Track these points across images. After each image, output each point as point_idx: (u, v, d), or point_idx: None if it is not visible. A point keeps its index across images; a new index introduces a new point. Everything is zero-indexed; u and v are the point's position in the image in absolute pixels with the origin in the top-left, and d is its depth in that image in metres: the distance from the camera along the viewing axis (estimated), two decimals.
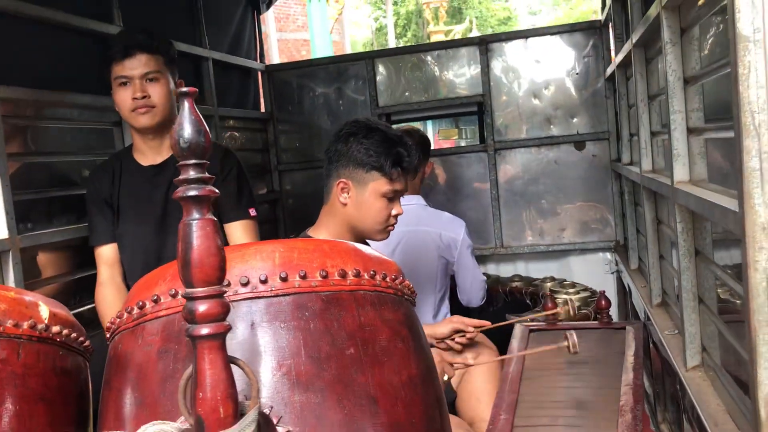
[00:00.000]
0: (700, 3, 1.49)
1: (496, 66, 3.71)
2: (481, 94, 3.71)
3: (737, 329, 1.42)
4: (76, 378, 1.31)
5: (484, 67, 3.68)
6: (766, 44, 0.94)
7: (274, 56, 11.71)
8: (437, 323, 2.25)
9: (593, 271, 3.61)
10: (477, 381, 2.32)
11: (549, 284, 3.35)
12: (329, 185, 1.98)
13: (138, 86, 2.06)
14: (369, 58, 3.86)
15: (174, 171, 2.26)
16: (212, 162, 2.18)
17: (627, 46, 2.42)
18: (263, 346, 1.09)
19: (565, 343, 2.00)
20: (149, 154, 2.23)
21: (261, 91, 3.97)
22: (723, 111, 1.53)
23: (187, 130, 0.88)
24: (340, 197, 1.96)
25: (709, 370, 1.60)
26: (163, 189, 2.24)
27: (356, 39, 22.04)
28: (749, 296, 1.01)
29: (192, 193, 0.88)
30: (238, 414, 0.91)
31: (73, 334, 1.31)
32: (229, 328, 0.89)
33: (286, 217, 3.96)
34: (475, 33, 18.41)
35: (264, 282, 1.12)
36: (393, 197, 1.97)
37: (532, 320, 2.61)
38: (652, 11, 1.73)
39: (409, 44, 18.85)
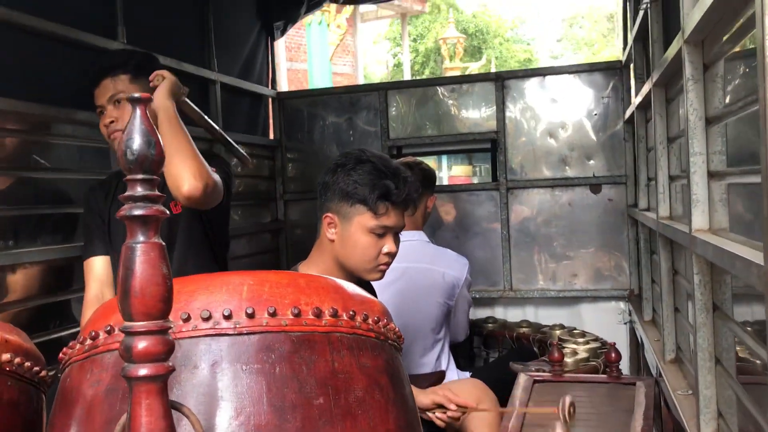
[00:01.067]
0: (725, 38, 1.38)
1: (512, 103, 3.61)
2: (495, 131, 3.60)
3: (758, 394, 1.28)
4: (25, 411, 1.19)
5: (500, 103, 3.58)
6: None
7: (283, 85, 11.72)
8: (421, 391, 2.03)
9: (605, 321, 3.45)
10: (476, 427, 2.17)
11: (558, 332, 3.20)
12: (319, 220, 1.87)
13: (108, 112, 2.04)
14: (382, 89, 3.78)
15: (164, 184, 2.17)
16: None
17: (647, 86, 2.31)
18: (221, 390, 0.97)
19: (553, 410, 1.84)
20: None
21: (271, 118, 3.90)
22: (747, 155, 1.41)
23: (136, 141, 0.78)
24: (327, 233, 1.84)
25: None
26: None
27: (374, 75, 22.08)
28: None
29: (137, 212, 0.78)
30: None
31: (27, 363, 1.20)
32: (171, 370, 0.78)
33: (290, 248, 3.86)
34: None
35: (228, 318, 1.01)
36: (383, 233, 1.82)
37: (545, 365, 2.47)
38: (674, 47, 1.63)
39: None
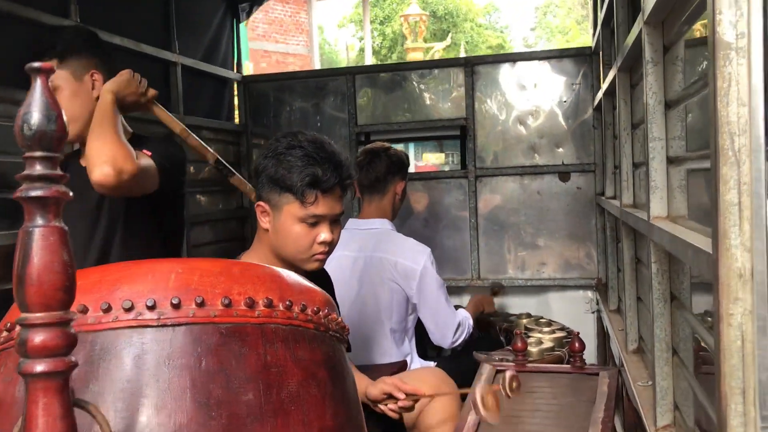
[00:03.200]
0: (683, 18, 1.33)
1: (482, 89, 3.56)
2: (465, 117, 3.55)
3: (712, 386, 1.24)
4: None
5: (469, 89, 3.53)
6: (751, 53, 0.77)
7: None
8: (371, 383, 1.94)
9: (573, 310, 3.43)
10: (434, 418, 2.12)
11: (525, 321, 3.17)
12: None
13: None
14: (350, 74, 3.71)
15: None
16: (147, 142, 2.00)
17: (612, 72, 2.27)
18: (142, 386, 0.91)
19: (497, 386, 1.80)
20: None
21: (236, 102, 3.81)
22: (705, 141, 1.37)
23: (34, 116, 0.71)
24: (261, 222, 1.76)
25: (681, 431, 1.42)
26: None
27: (341, 59, 21.28)
28: (720, 357, 0.84)
29: (35, 193, 0.71)
30: None
31: None
32: (72, 365, 0.72)
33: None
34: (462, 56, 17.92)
35: (151, 308, 0.94)
36: (315, 222, 1.73)
37: (509, 355, 2.43)
38: (635, 29, 1.58)
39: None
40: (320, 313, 1.10)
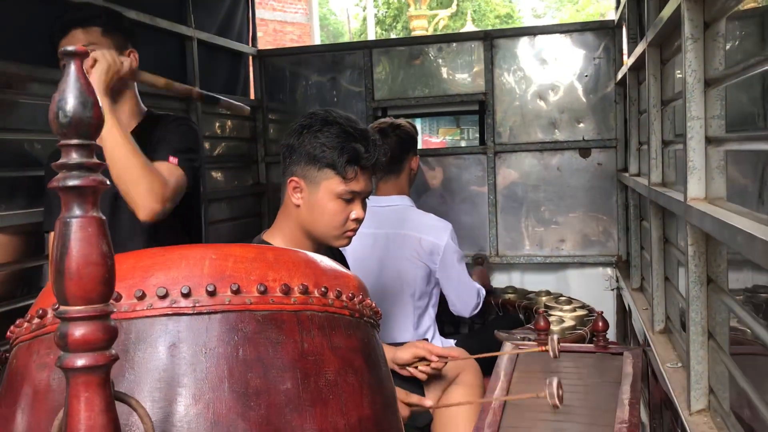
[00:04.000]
0: None
1: (501, 63, 3.49)
2: (483, 92, 3.49)
3: (752, 375, 1.22)
4: None
5: (488, 63, 3.47)
6: None
7: None
8: (399, 347, 1.97)
9: (592, 287, 3.40)
10: (455, 413, 2.11)
11: (544, 298, 3.15)
12: (284, 184, 1.77)
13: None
14: (366, 47, 3.65)
15: None
16: (164, 129, 1.96)
17: (641, 47, 2.21)
18: (179, 375, 0.89)
19: (543, 393, 1.80)
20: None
21: (252, 77, 3.76)
22: (748, 120, 1.32)
23: (69, 102, 0.68)
24: (293, 198, 1.74)
25: (717, 415, 1.39)
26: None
27: (344, 30, 20.22)
28: None
29: (72, 182, 0.68)
30: None
31: None
32: (113, 359, 0.69)
33: (272, 212, 3.75)
34: (469, 27, 17.22)
35: (186, 296, 0.92)
36: (351, 199, 1.74)
37: (523, 342, 2.41)
38: (672, 3, 1.53)
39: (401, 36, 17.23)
40: (355, 299, 1.07)
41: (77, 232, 0.68)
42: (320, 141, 1.71)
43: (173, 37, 3.01)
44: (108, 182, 0.72)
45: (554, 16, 25.89)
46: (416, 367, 1.96)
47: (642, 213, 2.67)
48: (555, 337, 1.86)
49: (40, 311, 0.98)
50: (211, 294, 0.93)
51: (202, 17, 3.19)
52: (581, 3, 25.39)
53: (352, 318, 1.06)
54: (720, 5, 1.33)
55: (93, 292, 0.68)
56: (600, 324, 2.27)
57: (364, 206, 1.80)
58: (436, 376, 2.04)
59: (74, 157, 0.69)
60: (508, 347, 2.32)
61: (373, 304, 1.14)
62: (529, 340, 2.49)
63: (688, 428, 1.40)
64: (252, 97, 3.79)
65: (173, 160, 1.94)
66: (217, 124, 3.45)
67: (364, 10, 20.30)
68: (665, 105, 2.00)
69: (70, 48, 0.69)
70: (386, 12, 21.63)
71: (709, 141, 1.39)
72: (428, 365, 1.94)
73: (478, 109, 3.59)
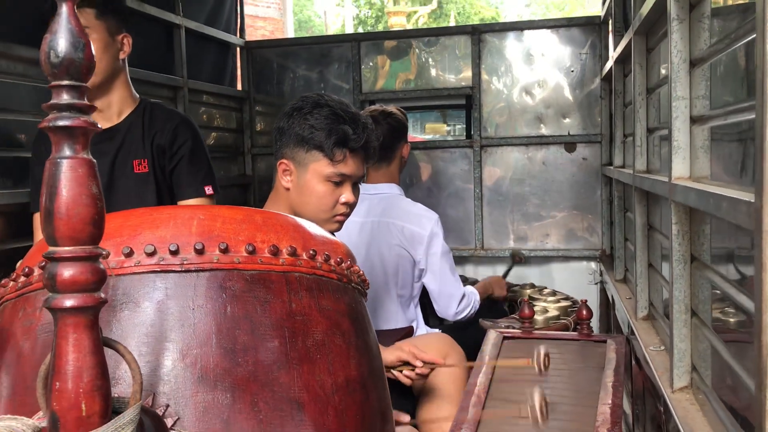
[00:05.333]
0: None
1: (488, 58, 3.51)
2: (471, 86, 3.51)
3: (734, 349, 1.23)
4: None
5: (475, 58, 3.48)
6: None
7: None
8: (385, 348, 1.90)
9: (576, 281, 3.42)
10: (442, 382, 2.11)
11: (528, 291, 3.15)
12: (275, 167, 1.77)
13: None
14: (355, 40, 3.66)
15: (124, 137, 2.06)
16: (164, 131, 1.97)
17: (627, 37, 2.24)
18: (166, 330, 0.89)
19: (526, 361, 1.81)
20: (96, 119, 2.02)
21: (239, 68, 3.76)
22: (730, 97, 1.34)
23: (61, 43, 0.68)
24: (283, 180, 1.73)
25: (699, 392, 1.41)
26: (109, 157, 2.03)
27: (320, 26, 19.59)
28: (762, 306, 0.82)
29: (63, 123, 0.68)
30: (110, 412, 0.71)
31: None
32: (102, 302, 0.69)
33: (258, 203, 3.75)
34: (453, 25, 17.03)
35: (175, 253, 0.92)
36: (340, 182, 1.72)
37: (515, 323, 2.42)
38: None
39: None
40: (343, 264, 1.08)
41: (67, 173, 0.68)
42: (309, 123, 1.70)
43: (160, 25, 3.00)
44: (98, 126, 0.72)
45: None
46: (401, 371, 1.92)
47: (626, 205, 2.69)
48: (542, 348, 1.81)
49: (26, 269, 0.97)
50: (200, 252, 0.93)
51: (190, 6, 3.18)
52: (567, 9, 25.48)
53: (340, 282, 1.06)
54: None
55: (82, 232, 0.68)
56: (584, 312, 2.28)
57: (356, 191, 1.79)
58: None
59: (65, 97, 0.69)
60: (492, 334, 2.33)
61: (361, 272, 1.14)
62: (513, 328, 2.50)
63: (670, 405, 1.41)
64: (239, 88, 3.79)
65: (209, 190, 1.98)
66: (204, 116, 3.44)
67: (343, 8, 19.81)
68: (650, 93, 2.02)
69: None
70: (368, 12, 21.49)
71: (694, 120, 1.41)
72: (413, 371, 1.90)
73: (465, 103, 3.60)
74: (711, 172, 1.39)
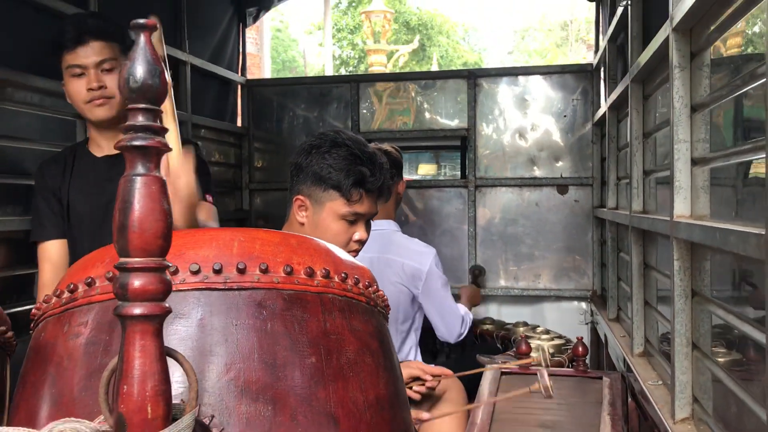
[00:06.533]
0: (713, 27, 1.40)
1: (483, 101, 3.62)
2: (466, 128, 3.61)
3: (739, 378, 1.29)
4: None
5: (471, 101, 3.59)
6: None
7: None
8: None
9: (567, 320, 3.48)
10: (442, 428, 2.14)
11: (522, 329, 3.21)
12: (290, 201, 1.82)
13: (93, 76, 1.92)
14: (354, 81, 3.76)
15: None
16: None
17: (623, 84, 2.34)
18: (210, 345, 0.93)
19: (536, 386, 1.85)
20: (105, 146, 2.07)
21: (239, 105, 3.83)
22: (729, 141, 1.43)
23: (139, 69, 0.73)
24: (297, 216, 1.78)
25: (700, 423, 1.46)
26: (118, 181, 2.06)
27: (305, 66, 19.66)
28: None
29: (138, 142, 0.73)
30: (170, 417, 0.75)
31: (1, 327, 1.14)
32: (168, 311, 0.74)
33: None
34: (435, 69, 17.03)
35: (218, 272, 0.97)
36: (354, 220, 1.77)
37: (504, 365, 2.47)
38: (660, 36, 1.64)
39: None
40: (370, 288, 1.13)
41: (141, 189, 0.73)
42: (328, 162, 1.74)
43: (168, 60, 3.07)
44: (170, 146, 0.77)
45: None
46: (410, 387, 1.98)
47: (619, 245, 2.77)
48: (545, 373, 1.84)
49: (71, 285, 1.01)
50: (241, 272, 0.98)
51: (195, 43, 3.26)
52: (549, 56, 26.00)
53: (368, 305, 1.11)
54: (705, 37, 1.44)
55: (153, 245, 0.73)
56: (580, 349, 2.34)
57: (367, 228, 1.84)
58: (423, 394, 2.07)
59: (140, 119, 0.74)
60: (491, 371, 2.38)
61: (385, 297, 1.19)
62: (510, 363, 2.54)
63: None
64: (239, 124, 3.86)
65: (210, 198, 2.01)
66: (204, 150, 3.49)
67: (321, 46, 19.93)
68: (647, 137, 2.11)
69: (141, 21, 0.75)
70: (351, 53, 21.69)
71: (695, 162, 1.48)
72: (422, 385, 1.96)
73: (460, 144, 3.70)
74: (710, 211, 1.47)
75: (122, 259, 0.73)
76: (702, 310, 1.47)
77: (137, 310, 0.72)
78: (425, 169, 6.55)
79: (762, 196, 0.96)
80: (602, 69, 3.30)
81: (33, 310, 1.07)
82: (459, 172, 3.88)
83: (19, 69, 2.18)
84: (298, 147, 1.83)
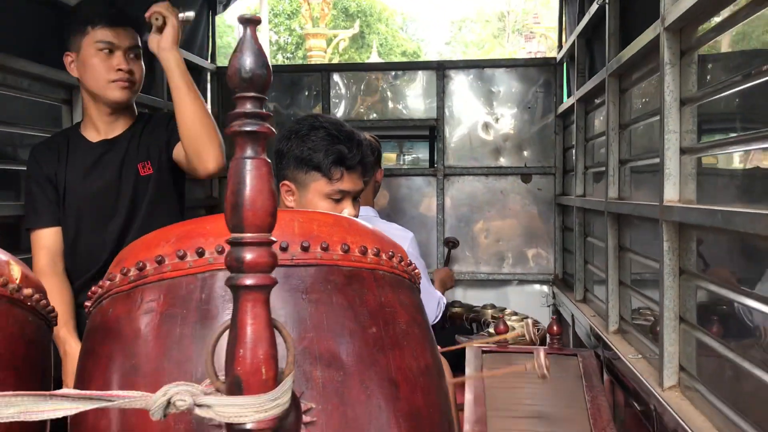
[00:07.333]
0: (703, 28, 1.53)
1: (451, 92, 3.73)
2: (435, 118, 3.72)
3: (726, 344, 1.43)
4: (41, 347, 1.18)
5: (440, 91, 3.70)
6: None
7: None
8: None
9: (530, 303, 3.64)
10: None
11: (490, 311, 3.35)
12: (276, 187, 1.89)
13: (124, 58, 1.97)
14: (325, 70, 3.81)
15: (128, 146, 2.12)
16: (158, 124, 2.08)
17: (597, 78, 2.48)
18: (283, 317, 1.01)
19: (532, 364, 1.97)
20: (103, 130, 2.09)
21: (209, 92, 3.83)
22: (716, 132, 1.57)
23: (248, 60, 0.80)
24: (286, 201, 1.86)
25: (686, 389, 1.60)
26: (115, 165, 2.09)
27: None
28: None
29: (248, 128, 0.80)
30: (278, 378, 0.83)
31: (42, 301, 1.19)
32: (275, 282, 0.81)
33: None
34: (375, 57, 16.94)
35: (284, 250, 1.04)
36: (340, 198, 1.84)
37: (491, 341, 2.59)
38: (648, 34, 1.77)
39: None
40: (410, 266, 1.22)
41: (252, 171, 0.80)
42: (307, 145, 1.81)
43: (143, 48, 3.06)
44: (274, 131, 0.84)
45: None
46: None
47: (587, 231, 2.92)
48: (541, 352, 1.85)
49: (140, 263, 1.06)
50: (305, 249, 1.05)
51: None
52: (487, 47, 26.30)
53: (410, 281, 1.20)
54: (696, 37, 1.58)
55: (264, 221, 0.80)
56: (555, 327, 2.48)
57: (356, 205, 1.92)
58: None
59: (249, 107, 0.81)
60: (472, 351, 2.49)
61: (419, 273, 1.28)
62: (489, 344, 2.67)
63: (663, 400, 1.60)
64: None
65: None
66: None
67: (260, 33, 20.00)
68: (623, 129, 2.25)
69: (247, 15, 0.81)
70: (289, 39, 21.51)
71: (683, 151, 1.62)
72: None
73: (429, 134, 3.80)
74: (696, 197, 1.61)
75: (236, 235, 0.80)
76: (689, 286, 1.61)
77: (250, 281, 0.79)
78: (386, 158, 6.67)
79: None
80: (566, 63, 3.46)
81: (93, 288, 1.12)
82: (420, 160, 3.97)
83: (6, 53, 2.17)
84: (278, 134, 1.89)
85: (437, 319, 2.86)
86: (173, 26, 1.92)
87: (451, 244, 3.66)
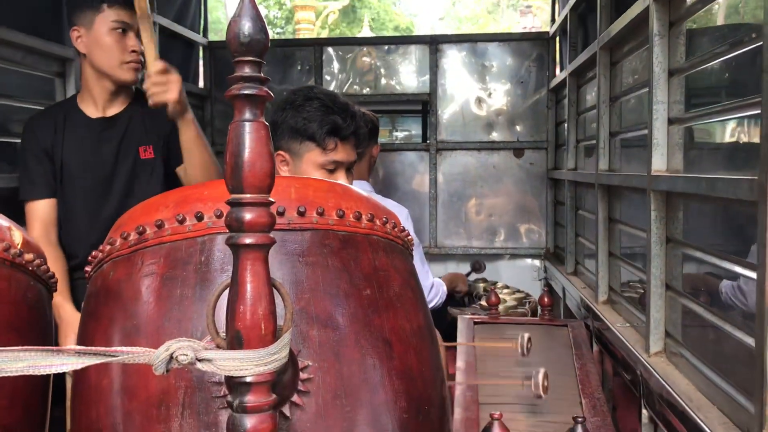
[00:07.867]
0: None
1: (444, 66, 3.75)
2: (428, 93, 3.73)
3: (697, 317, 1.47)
4: (42, 311, 1.21)
5: (433, 66, 3.71)
6: None
7: None
8: None
9: (521, 277, 3.69)
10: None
11: (482, 285, 3.39)
12: None
13: (135, 41, 2.01)
14: (318, 44, 3.81)
15: (127, 125, 2.14)
16: (164, 119, 2.09)
17: (588, 51, 2.50)
18: (280, 279, 1.03)
19: (514, 344, 2.01)
20: (101, 106, 2.10)
21: (201, 67, 3.84)
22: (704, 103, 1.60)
23: (247, 25, 0.82)
24: (280, 170, 1.88)
25: (672, 355, 1.65)
26: (113, 143, 2.11)
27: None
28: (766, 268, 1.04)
29: (247, 91, 0.83)
30: (276, 334, 0.86)
31: (43, 266, 1.21)
32: (273, 241, 0.84)
33: None
34: (366, 32, 16.89)
35: (281, 214, 1.07)
36: (334, 169, 1.86)
37: (479, 311, 2.64)
38: (639, 5, 1.79)
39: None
40: (403, 232, 1.25)
41: (251, 133, 0.82)
42: (302, 116, 1.83)
43: None
44: (272, 95, 0.86)
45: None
46: None
47: (578, 204, 2.96)
48: (525, 334, 1.98)
49: (140, 228, 1.09)
50: (301, 214, 1.08)
51: (160, 3, 3.25)
52: (482, 22, 26.05)
53: (403, 247, 1.23)
54: (684, 9, 1.60)
55: (263, 182, 0.82)
56: (546, 299, 2.52)
57: (349, 176, 1.94)
58: None
59: (248, 71, 0.83)
60: (463, 320, 2.54)
61: (411, 239, 1.31)
62: (480, 314, 2.72)
63: (649, 365, 1.64)
64: (201, 86, 3.86)
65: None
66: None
67: (268, 9, 19.61)
68: (613, 102, 2.28)
69: None
70: (278, 13, 21.28)
71: (671, 122, 1.65)
72: None
73: (422, 108, 3.82)
74: (683, 166, 1.65)
75: (235, 195, 0.82)
76: (675, 255, 1.65)
77: (250, 240, 0.82)
78: (383, 134, 6.68)
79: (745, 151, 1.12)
80: (559, 37, 3.47)
81: (93, 253, 1.14)
82: (413, 135, 3.98)
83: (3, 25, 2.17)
84: (273, 105, 1.90)
85: (437, 304, 2.85)
86: (179, 87, 1.98)
87: (477, 265, 3.60)
